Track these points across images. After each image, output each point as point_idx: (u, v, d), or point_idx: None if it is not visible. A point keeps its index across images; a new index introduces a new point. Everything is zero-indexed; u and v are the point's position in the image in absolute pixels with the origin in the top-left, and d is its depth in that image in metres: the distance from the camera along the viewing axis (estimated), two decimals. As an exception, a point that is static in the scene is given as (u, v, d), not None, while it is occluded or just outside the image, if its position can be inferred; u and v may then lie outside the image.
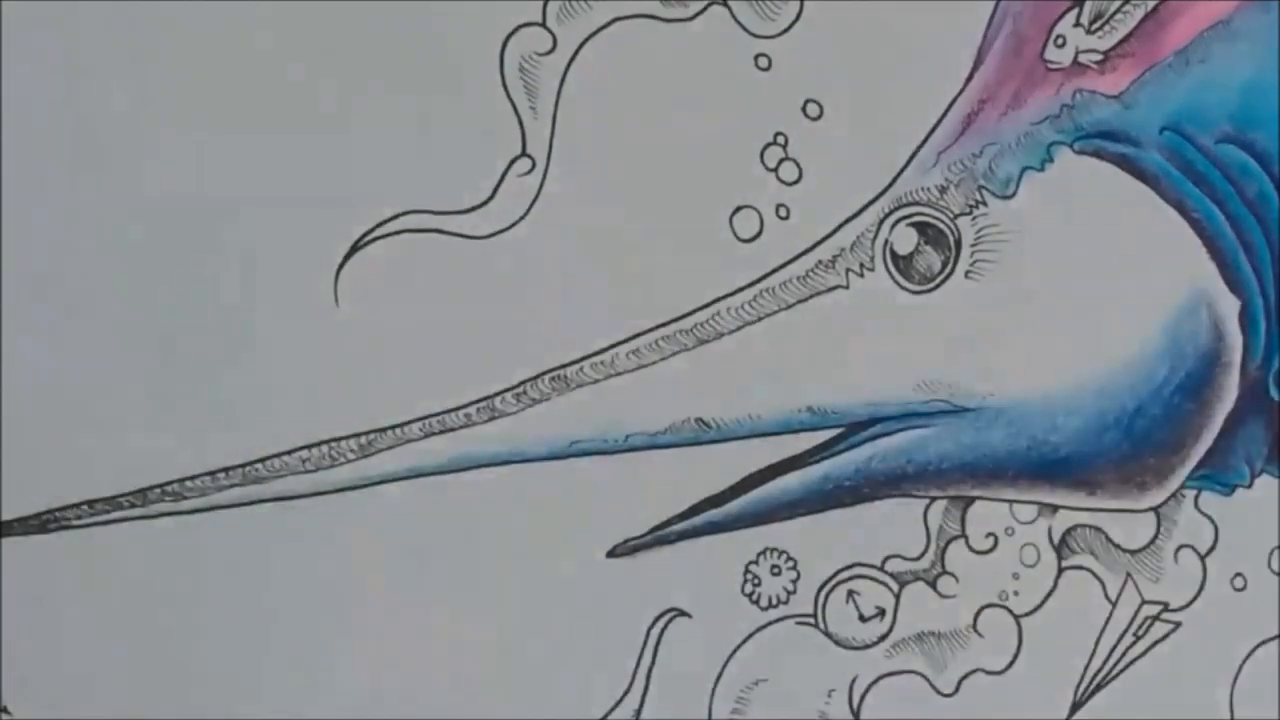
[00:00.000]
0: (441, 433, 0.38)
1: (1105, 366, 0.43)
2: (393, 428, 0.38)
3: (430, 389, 0.38)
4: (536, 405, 0.39)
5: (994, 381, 0.42)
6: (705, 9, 0.39)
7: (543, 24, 0.38)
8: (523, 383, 0.39)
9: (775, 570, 0.41)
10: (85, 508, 0.36)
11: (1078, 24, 0.41)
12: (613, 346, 0.39)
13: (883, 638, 0.42)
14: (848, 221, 0.41)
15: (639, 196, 0.39)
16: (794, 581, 0.41)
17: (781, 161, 0.40)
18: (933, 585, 0.42)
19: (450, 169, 0.38)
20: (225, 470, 0.37)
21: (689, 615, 0.40)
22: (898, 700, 0.42)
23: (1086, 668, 0.44)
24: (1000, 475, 0.42)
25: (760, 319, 0.40)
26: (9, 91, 0.35)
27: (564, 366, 0.39)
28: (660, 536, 0.40)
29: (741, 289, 0.40)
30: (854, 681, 0.42)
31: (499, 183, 0.38)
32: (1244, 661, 0.45)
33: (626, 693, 0.40)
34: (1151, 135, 0.42)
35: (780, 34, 0.40)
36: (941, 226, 0.41)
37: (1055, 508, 0.43)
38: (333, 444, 0.37)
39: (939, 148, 0.41)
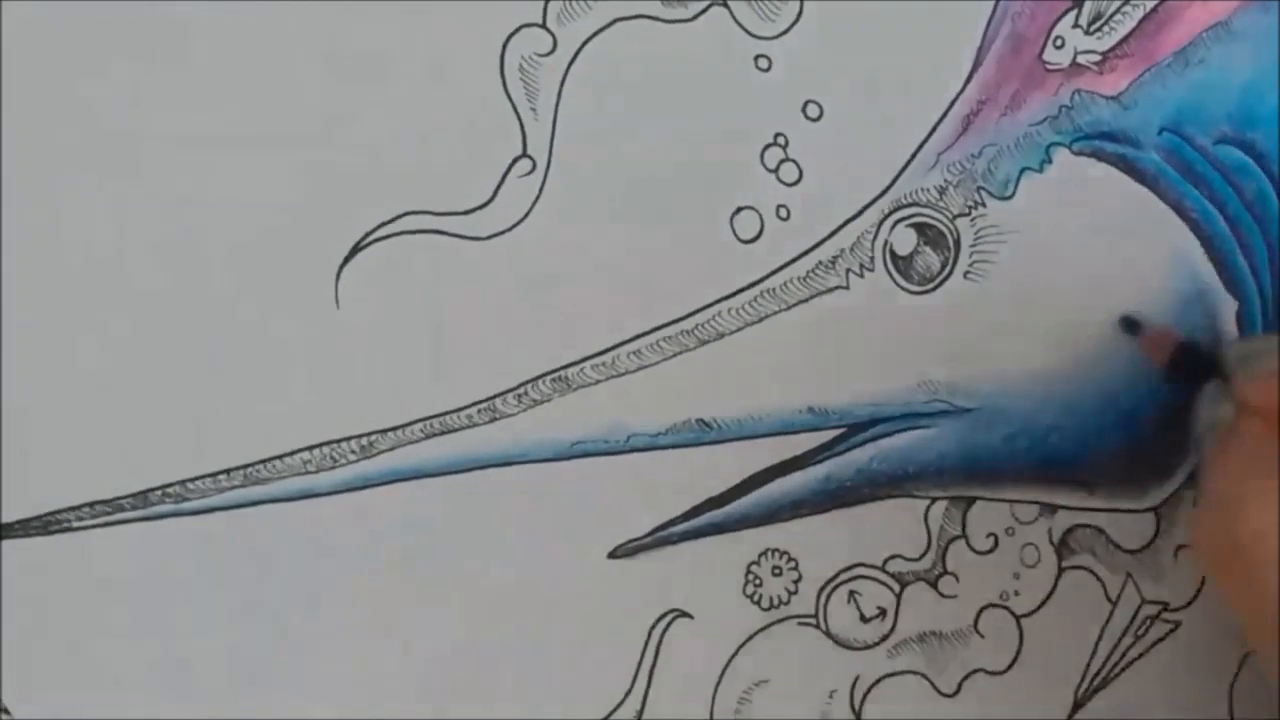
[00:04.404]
0: (443, 434, 0.38)
1: (1104, 367, 0.43)
2: (394, 429, 0.38)
3: (431, 390, 0.38)
4: (538, 406, 0.39)
5: (994, 382, 0.42)
6: (705, 10, 0.39)
7: (543, 25, 0.38)
8: (524, 384, 0.39)
9: (777, 571, 0.41)
10: (86, 509, 0.36)
11: (1076, 25, 0.42)
12: (614, 347, 0.39)
13: (884, 638, 0.42)
14: (848, 222, 0.41)
15: (639, 197, 0.39)
16: (795, 582, 0.41)
17: (782, 162, 0.40)
18: (934, 585, 0.42)
19: (451, 170, 0.38)
20: (226, 472, 0.37)
21: (690, 616, 0.40)
22: (899, 700, 0.42)
23: (1087, 667, 0.44)
24: (1000, 475, 0.42)
25: (761, 319, 0.40)
26: (9, 91, 0.35)
27: (565, 367, 0.39)
28: (662, 537, 0.40)
29: (742, 290, 0.40)
30: (855, 682, 0.42)
31: (499, 184, 0.38)
32: (1243, 661, 0.45)
33: (628, 693, 0.40)
34: (1150, 136, 0.42)
35: (780, 35, 0.40)
36: (941, 227, 0.41)
37: (1055, 508, 0.43)
38: (334, 445, 0.37)
39: (938, 149, 0.41)
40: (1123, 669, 0.44)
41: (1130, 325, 0.42)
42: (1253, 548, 0.34)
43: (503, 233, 0.38)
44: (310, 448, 0.37)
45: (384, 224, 0.37)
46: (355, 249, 0.37)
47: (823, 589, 0.42)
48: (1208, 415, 0.39)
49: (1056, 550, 0.43)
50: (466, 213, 0.38)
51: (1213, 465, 0.38)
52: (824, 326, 0.41)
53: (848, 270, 0.41)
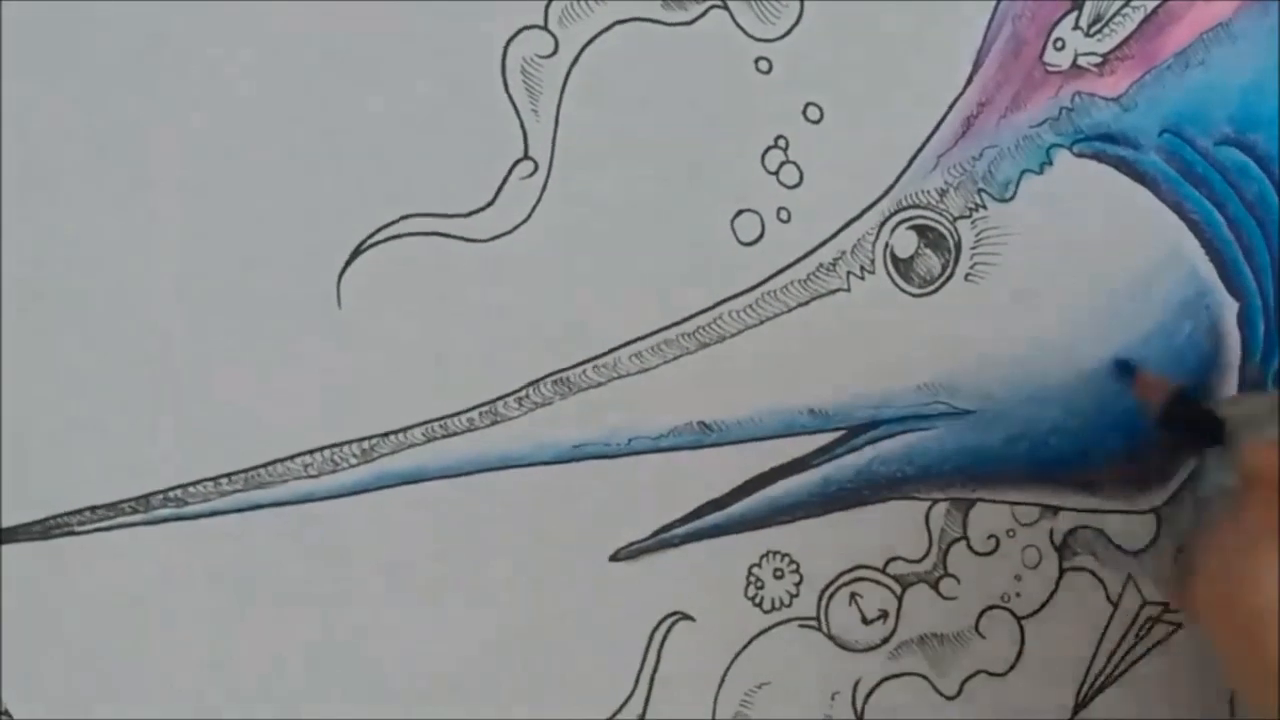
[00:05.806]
0: (444, 437, 0.38)
1: (1104, 368, 0.43)
2: (396, 432, 0.38)
3: (433, 393, 0.38)
4: (539, 409, 0.39)
5: (994, 383, 0.42)
6: (706, 12, 0.39)
7: (544, 27, 0.38)
8: (525, 386, 0.39)
9: (778, 573, 0.41)
10: (88, 513, 0.36)
11: (1077, 26, 0.42)
12: (615, 350, 0.39)
13: (885, 640, 0.42)
14: (848, 224, 0.41)
15: (640, 200, 0.39)
16: (797, 584, 0.41)
17: (783, 165, 0.40)
18: (935, 587, 0.42)
19: (453, 172, 0.38)
20: (228, 475, 0.37)
21: (692, 618, 0.40)
22: (901, 702, 0.42)
23: (1089, 669, 0.44)
24: (1001, 477, 0.42)
25: (762, 322, 0.40)
26: (9, 91, 0.35)
27: (566, 370, 0.39)
28: (663, 540, 0.40)
29: (743, 292, 0.40)
30: (857, 684, 0.42)
31: (501, 186, 0.38)
32: (1244, 662, 0.45)
33: (630, 696, 0.40)
34: (1151, 138, 0.42)
35: (781, 37, 0.40)
36: (941, 229, 0.41)
37: (1056, 509, 0.43)
38: (336, 449, 0.37)
39: (939, 151, 0.41)
40: (1124, 670, 0.44)
41: (1124, 369, 0.42)
42: (1258, 623, 0.33)
43: (504, 235, 0.38)
44: (311, 451, 0.37)
45: (386, 226, 0.37)
46: (357, 251, 0.37)
47: (824, 591, 0.42)
48: (1211, 482, 0.39)
49: (1058, 551, 0.43)
50: (468, 215, 0.38)
51: (1218, 535, 0.37)
52: (825, 329, 0.41)
53: (848, 272, 0.41)
